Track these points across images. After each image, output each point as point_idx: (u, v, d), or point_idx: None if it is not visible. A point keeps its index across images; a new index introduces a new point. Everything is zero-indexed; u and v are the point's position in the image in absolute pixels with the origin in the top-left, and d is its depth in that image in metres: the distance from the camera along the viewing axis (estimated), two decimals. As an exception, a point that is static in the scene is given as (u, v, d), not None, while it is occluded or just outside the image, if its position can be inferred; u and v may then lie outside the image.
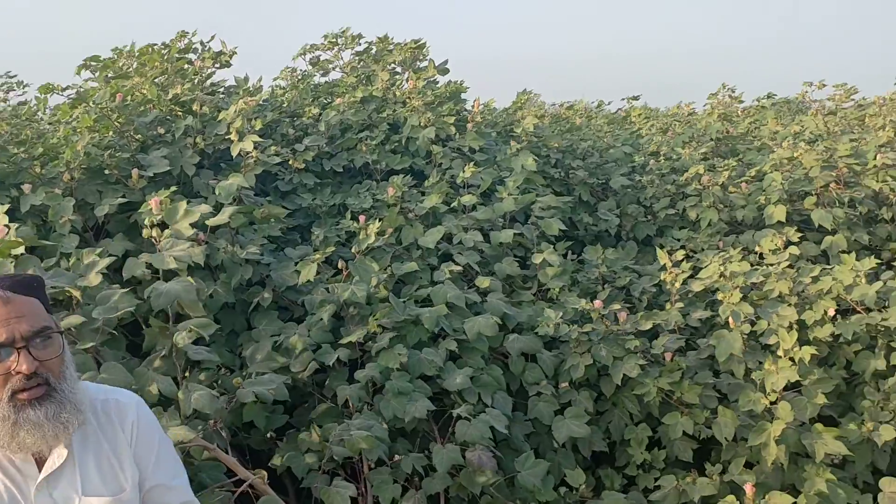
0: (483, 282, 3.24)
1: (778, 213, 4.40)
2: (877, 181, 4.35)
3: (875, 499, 2.70)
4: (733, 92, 6.51)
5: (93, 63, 3.56)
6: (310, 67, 5.01)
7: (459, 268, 3.28)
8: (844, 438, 2.82)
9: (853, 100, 6.70)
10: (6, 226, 2.38)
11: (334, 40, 4.73)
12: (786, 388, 2.87)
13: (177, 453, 1.72)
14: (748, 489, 2.56)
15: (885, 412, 2.97)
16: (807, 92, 5.35)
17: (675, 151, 5.16)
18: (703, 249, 4.23)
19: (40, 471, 1.51)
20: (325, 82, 4.70)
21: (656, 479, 2.82)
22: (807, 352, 2.79)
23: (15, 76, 4.89)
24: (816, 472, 2.70)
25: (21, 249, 2.37)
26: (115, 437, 1.61)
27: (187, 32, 4.10)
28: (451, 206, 3.69)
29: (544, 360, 3.03)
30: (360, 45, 4.76)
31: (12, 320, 1.45)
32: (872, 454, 2.89)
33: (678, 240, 4.43)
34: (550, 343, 3.20)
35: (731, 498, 2.58)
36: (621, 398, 3.03)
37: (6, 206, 2.45)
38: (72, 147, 2.79)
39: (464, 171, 3.76)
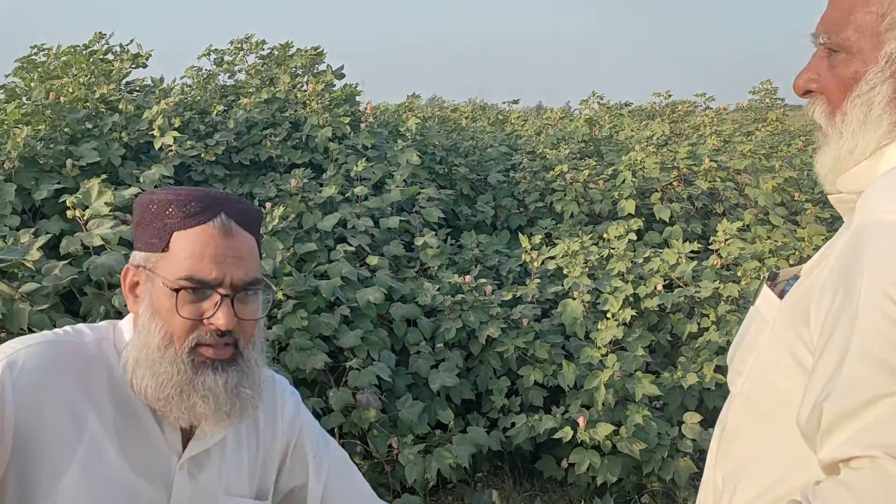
0: (372, 260, 3.80)
1: (629, 206, 5.16)
2: (706, 181, 5.17)
3: (680, 429, 3.43)
4: (601, 99, 7.33)
5: (25, 63, 3.90)
6: (214, 67, 5.42)
7: (352, 248, 3.83)
8: (661, 384, 3.54)
9: (706, 106, 7.65)
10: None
11: (240, 45, 5.18)
12: (614, 345, 3.58)
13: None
14: (581, 421, 3.24)
15: (695, 364, 3.72)
16: (655, 101, 6.20)
17: (546, 152, 5.85)
18: (563, 237, 4.92)
19: (184, 447, 1.23)
20: (234, 84, 5.13)
21: (512, 421, 3.47)
22: (628, 313, 3.50)
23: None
24: (637, 410, 3.40)
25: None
26: (272, 426, 1.35)
27: (104, 34, 4.47)
28: (346, 195, 4.24)
29: (423, 325, 3.63)
30: (263, 49, 5.23)
31: (229, 259, 1.17)
32: (683, 397, 3.63)
33: (544, 228, 5.11)
34: (429, 312, 3.79)
35: (567, 429, 3.25)
36: (486, 356, 3.65)
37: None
38: (13, 138, 3.16)
39: (357, 166, 4.30)
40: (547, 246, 4.46)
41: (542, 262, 4.15)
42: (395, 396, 3.38)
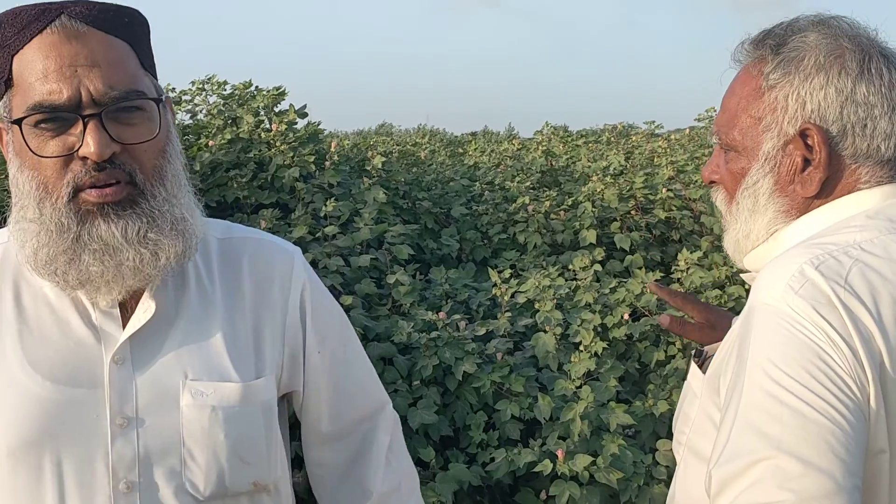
0: (346, 300, 3.82)
1: (590, 236, 5.29)
2: (663, 210, 5.33)
3: (654, 457, 3.52)
4: (555, 130, 7.50)
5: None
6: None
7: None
8: (633, 413, 3.63)
9: (657, 134, 7.88)
10: None
11: (202, 85, 5.18)
12: (587, 376, 3.66)
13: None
14: (559, 454, 3.30)
15: (664, 392, 3.82)
16: (611, 131, 6.40)
17: (507, 183, 5.96)
18: (529, 268, 5.02)
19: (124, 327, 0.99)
20: (196, 123, 5.11)
21: (491, 456, 3.51)
22: (600, 345, 3.59)
23: None
24: (612, 439, 3.47)
25: None
26: (250, 294, 1.10)
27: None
28: (316, 235, 4.26)
29: (399, 363, 3.66)
30: (225, 90, 5.23)
31: (81, 69, 0.91)
32: (654, 424, 3.72)
33: (508, 260, 5.20)
34: (404, 349, 3.83)
35: (547, 462, 3.31)
36: (463, 391, 3.70)
37: None
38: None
39: (326, 206, 4.34)
40: (514, 278, 4.54)
41: (512, 296, 4.22)
42: (374, 436, 3.40)
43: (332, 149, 4.97)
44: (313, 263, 4.09)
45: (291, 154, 4.67)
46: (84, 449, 0.97)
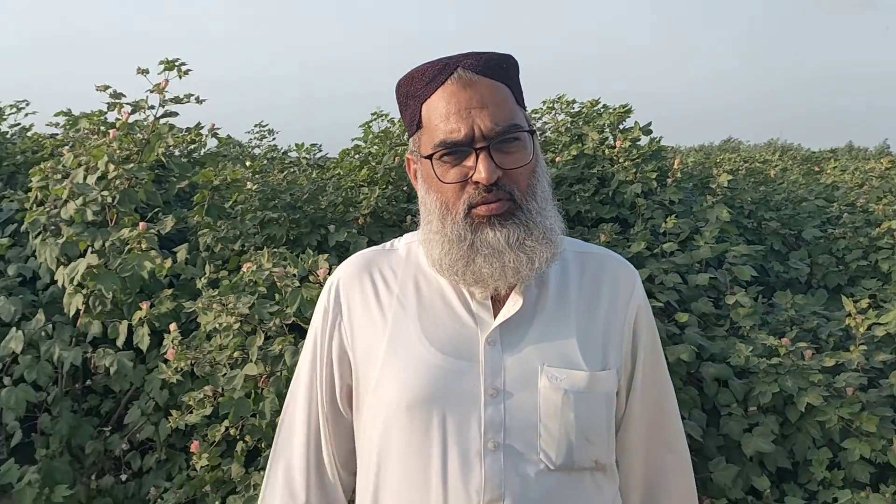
0: (682, 317, 3.80)
1: (972, 268, 4.59)
2: None
3: None
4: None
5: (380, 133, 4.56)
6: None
7: (660, 304, 3.87)
8: None
9: None
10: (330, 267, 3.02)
11: (552, 105, 5.49)
12: (961, 425, 3.20)
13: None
14: (918, 507, 2.95)
15: None
16: None
17: (870, 205, 5.41)
18: (891, 299, 4.51)
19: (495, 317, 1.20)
20: (543, 140, 5.44)
21: (834, 496, 3.24)
22: (979, 392, 3.12)
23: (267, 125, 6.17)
24: None
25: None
26: (599, 301, 1.26)
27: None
28: (654, 251, 4.29)
29: (735, 387, 3.55)
30: (573, 108, 5.49)
31: (473, 110, 1.13)
32: None
33: (868, 289, 4.72)
34: (740, 373, 3.70)
35: (901, 513, 2.97)
36: (805, 424, 3.47)
37: (325, 255, 2.95)
38: (367, 198, 3.71)
39: (666, 222, 4.34)
40: (872, 309, 4.12)
41: (869, 328, 3.85)
42: (704, 457, 3.34)
43: (676, 166, 4.95)
44: (649, 279, 4.13)
45: (634, 170, 4.75)
46: (463, 410, 1.18)
